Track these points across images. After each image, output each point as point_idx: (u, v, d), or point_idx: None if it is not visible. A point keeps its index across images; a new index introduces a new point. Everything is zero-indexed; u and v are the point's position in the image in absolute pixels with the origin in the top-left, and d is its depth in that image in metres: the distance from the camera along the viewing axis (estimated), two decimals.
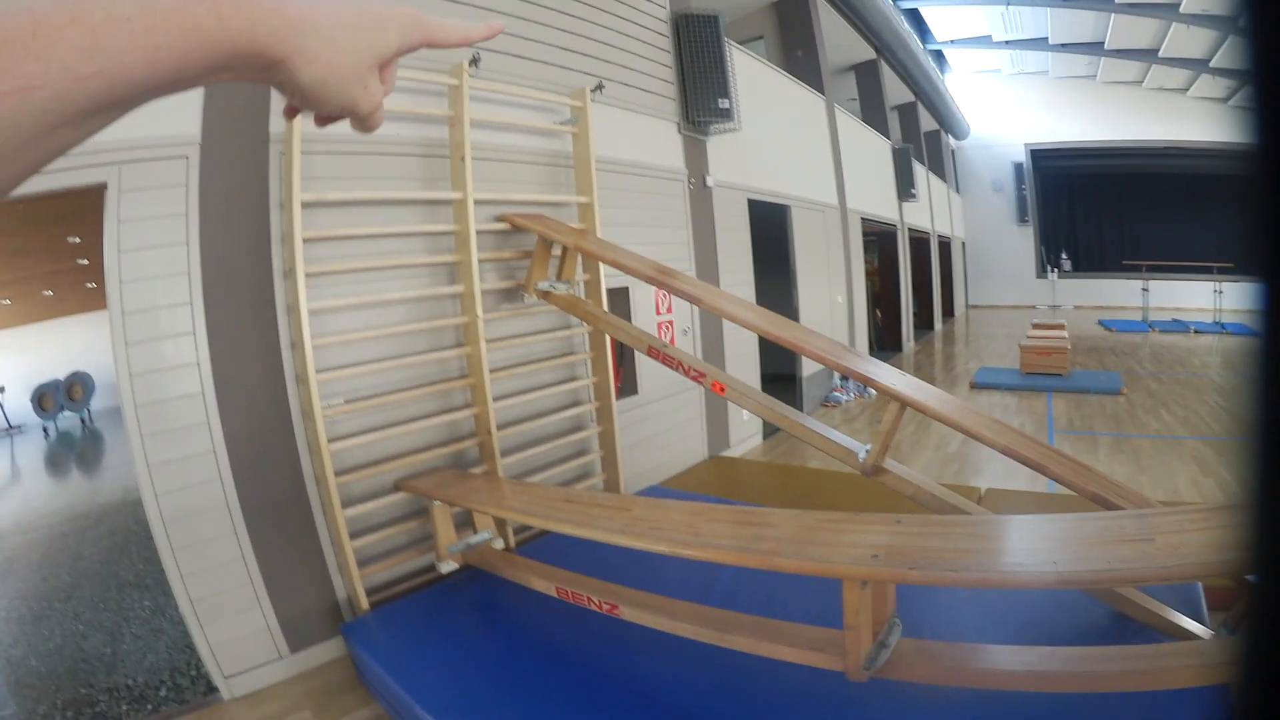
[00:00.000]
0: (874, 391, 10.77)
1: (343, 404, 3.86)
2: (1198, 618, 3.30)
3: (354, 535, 3.92)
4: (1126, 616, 3.35)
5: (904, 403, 3.38)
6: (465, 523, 4.17)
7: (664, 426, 6.49)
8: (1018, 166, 25.01)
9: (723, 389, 3.90)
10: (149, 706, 3.49)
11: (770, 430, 8.49)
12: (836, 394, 10.68)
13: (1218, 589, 3.67)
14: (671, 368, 4.07)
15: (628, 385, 6.06)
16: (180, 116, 3.43)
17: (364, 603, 3.93)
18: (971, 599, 3.72)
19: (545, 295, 4.62)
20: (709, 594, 3.81)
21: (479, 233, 4.38)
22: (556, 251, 4.72)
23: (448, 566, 4.00)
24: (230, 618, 3.61)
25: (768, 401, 3.86)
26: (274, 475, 3.74)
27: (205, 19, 0.42)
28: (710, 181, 7.09)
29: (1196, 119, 21.09)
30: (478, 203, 4.37)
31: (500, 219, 4.61)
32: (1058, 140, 23.97)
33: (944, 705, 2.82)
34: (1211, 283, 18.72)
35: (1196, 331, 17.50)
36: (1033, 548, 2.51)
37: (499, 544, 4.18)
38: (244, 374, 3.61)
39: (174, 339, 3.42)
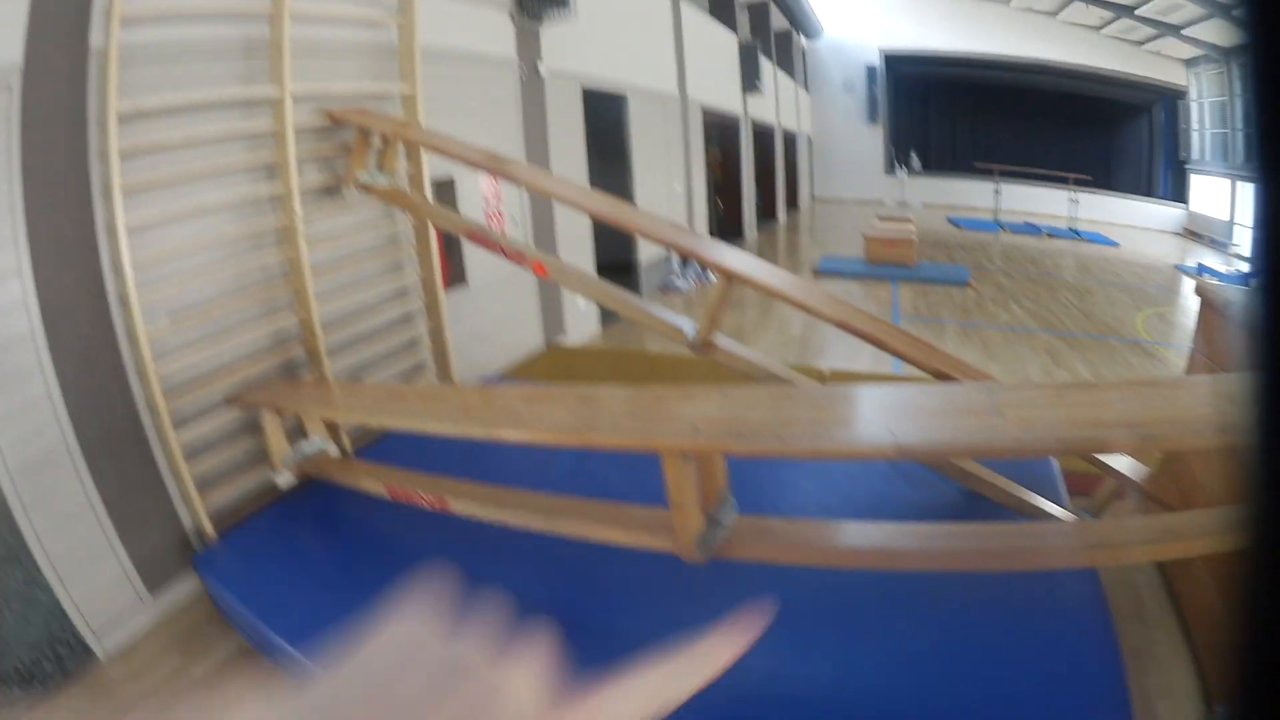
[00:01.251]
0: (714, 278, 10.96)
1: (168, 322, 3.72)
2: (1057, 501, 3.37)
3: (191, 459, 3.82)
4: (981, 496, 3.38)
5: (731, 276, 3.39)
6: (302, 434, 4.12)
7: (497, 317, 6.58)
8: (870, 69, 25.46)
9: (544, 269, 3.98)
10: (37, 685, 3.30)
11: (608, 317, 8.64)
12: (675, 280, 10.84)
13: (1077, 474, 3.71)
14: (491, 250, 4.11)
15: (456, 277, 6.06)
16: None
17: (210, 530, 3.86)
18: (815, 475, 3.76)
19: (366, 188, 4.55)
20: (543, 482, 3.91)
21: (300, 131, 4.25)
22: (377, 144, 4.63)
23: (284, 479, 3.97)
24: (87, 570, 3.47)
25: (592, 281, 3.97)
26: (107, 408, 3.58)
27: None
28: (543, 70, 7.02)
29: (1064, 43, 21.63)
30: (298, 99, 4.22)
31: (319, 113, 4.47)
32: (915, 47, 24.36)
33: (793, 586, 2.78)
34: (1066, 192, 19.87)
35: (1049, 235, 18.27)
36: (869, 418, 2.43)
37: (334, 451, 4.16)
38: (71, 308, 3.41)
39: None
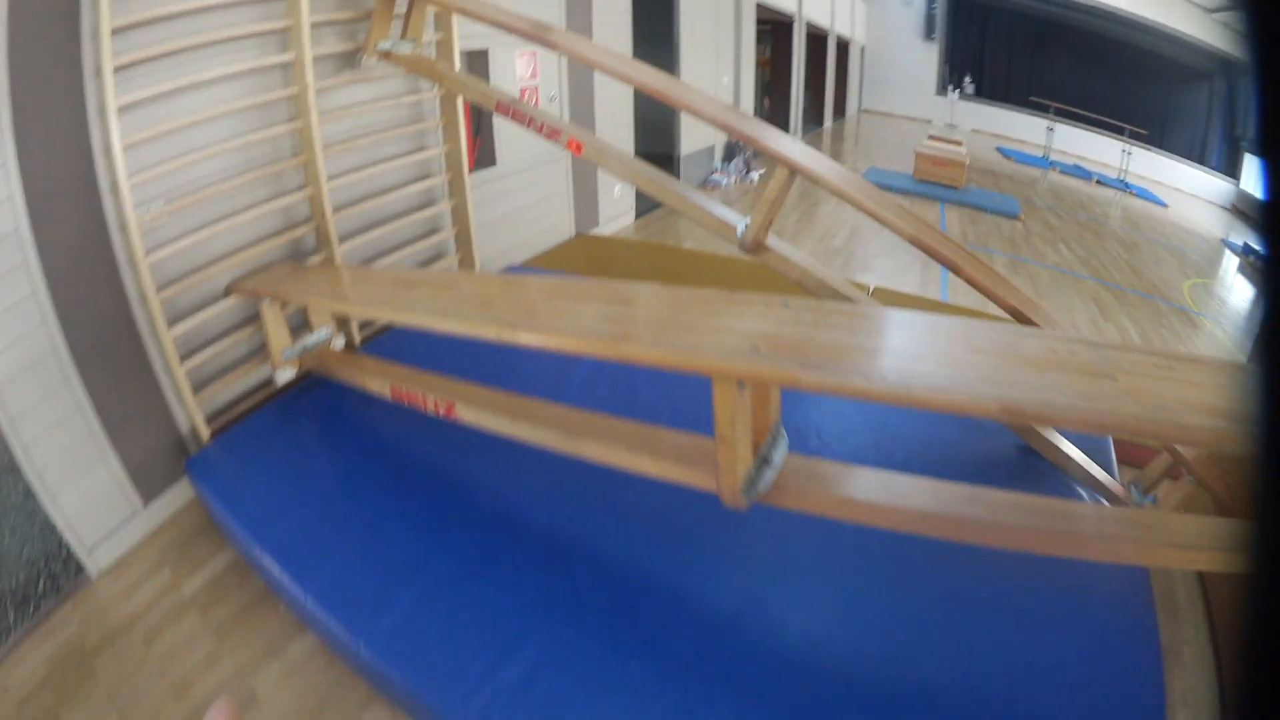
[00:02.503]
0: (756, 177, 10.79)
1: (162, 207, 3.34)
2: (1108, 469, 3.11)
3: (187, 356, 3.52)
4: (1035, 453, 3.15)
5: (794, 169, 2.98)
6: (305, 325, 3.82)
7: (526, 201, 6.17)
8: None
9: (579, 147, 3.56)
10: (31, 608, 3.08)
11: (645, 207, 8.30)
12: (716, 176, 10.45)
13: (1123, 441, 3.41)
14: (523, 125, 3.69)
15: (485, 156, 5.65)
16: None
17: (204, 432, 3.60)
18: (864, 407, 3.45)
19: (386, 56, 4.11)
20: (563, 389, 3.59)
21: None
22: (402, 9, 4.16)
23: (284, 375, 3.68)
24: (79, 480, 3.20)
25: (633, 163, 3.56)
26: (98, 305, 3.25)
27: None
28: None
29: None
30: None
31: None
32: None
33: (832, 537, 2.61)
34: (1121, 143, 19.41)
35: (1099, 182, 17.70)
36: (962, 359, 1.98)
37: (340, 343, 3.85)
38: (59, 201, 3.06)
39: None
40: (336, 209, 4.12)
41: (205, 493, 3.26)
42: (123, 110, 3.10)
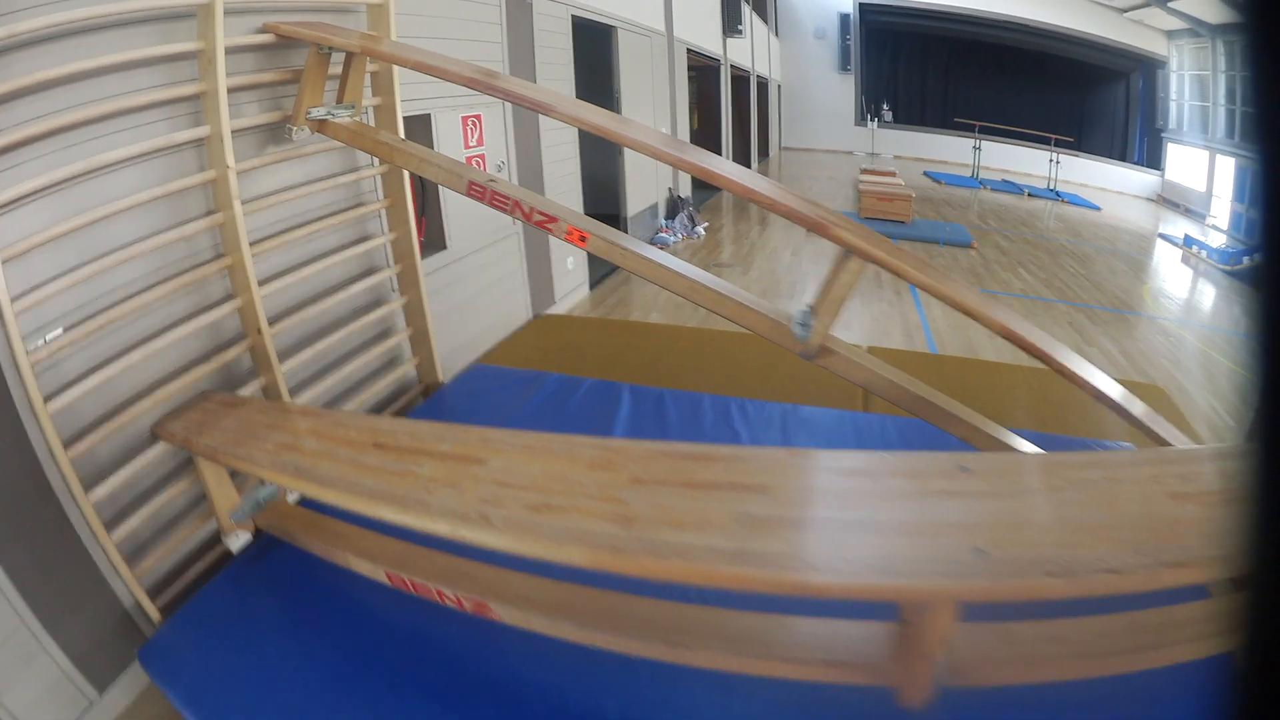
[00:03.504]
0: (701, 231, 10.29)
1: (61, 335, 2.55)
2: None
3: (115, 521, 2.76)
4: None
5: (867, 256, 2.43)
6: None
7: (480, 285, 5.44)
8: (844, 17, 24.80)
9: (584, 238, 2.85)
10: None
11: (598, 276, 7.79)
12: (663, 235, 10.03)
13: None
14: (503, 211, 2.99)
15: (433, 239, 4.90)
16: None
17: (153, 611, 2.84)
18: None
19: (321, 126, 3.39)
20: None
21: (231, 51, 3.05)
22: (338, 69, 3.46)
23: (237, 541, 2.93)
24: (21, 676, 2.46)
25: (656, 257, 2.86)
26: (4, 472, 2.48)
27: None
28: None
29: (1047, 4, 21.33)
30: (232, 10, 3.04)
31: (264, 29, 3.26)
32: None
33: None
34: (1048, 152, 20.17)
35: (1030, 194, 18.34)
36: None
37: (296, 495, 3.07)
38: None
39: None
40: (272, 320, 3.35)
41: (164, 688, 2.49)
42: None
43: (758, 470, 1.93)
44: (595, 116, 2.83)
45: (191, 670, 2.50)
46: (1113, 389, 2.58)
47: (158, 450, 2.90)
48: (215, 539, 3.10)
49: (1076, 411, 3.99)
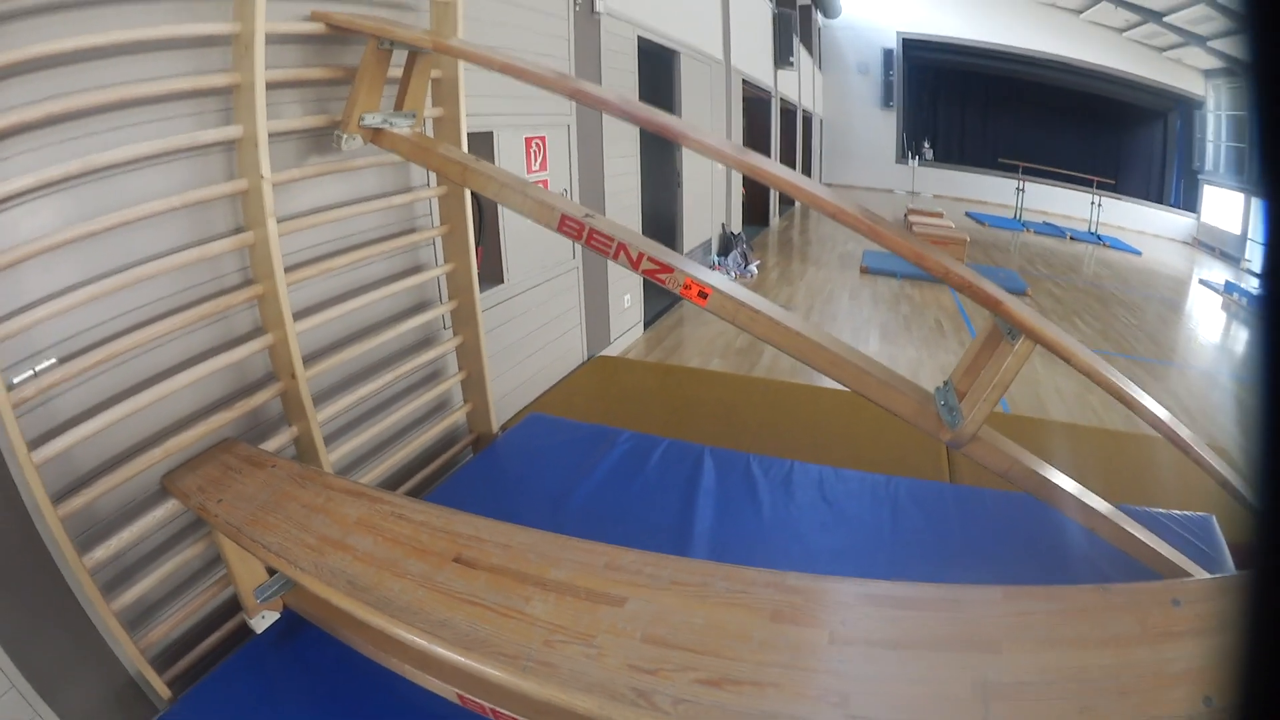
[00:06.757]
0: (754, 269, 9.74)
1: (53, 368, 2.06)
2: None
3: (115, 587, 2.30)
4: None
5: (1038, 337, 2.11)
6: None
7: (537, 323, 4.89)
8: (887, 52, 24.29)
9: (704, 294, 2.26)
10: None
11: (652, 314, 7.35)
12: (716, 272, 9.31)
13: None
14: (603, 254, 2.39)
15: (490, 271, 4.32)
16: None
17: (162, 688, 2.33)
18: None
19: (376, 136, 2.84)
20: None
21: (273, 39, 2.55)
22: (398, 69, 2.93)
23: (262, 622, 2.42)
24: None
25: (797, 326, 2.33)
26: None
27: None
28: (599, 6, 5.42)
29: (1086, 41, 20.78)
30: None
31: (313, 18, 2.74)
32: (933, 33, 23.31)
33: None
34: (1090, 194, 19.66)
35: (1071, 238, 17.81)
36: None
37: None
38: None
39: None
40: (308, 360, 2.80)
41: None
42: None
43: (977, 619, 1.43)
44: (728, 146, 2.37)
45: None
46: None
47: (168, 506, 2.41)
48: (234, 604, 2.61)
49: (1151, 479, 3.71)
